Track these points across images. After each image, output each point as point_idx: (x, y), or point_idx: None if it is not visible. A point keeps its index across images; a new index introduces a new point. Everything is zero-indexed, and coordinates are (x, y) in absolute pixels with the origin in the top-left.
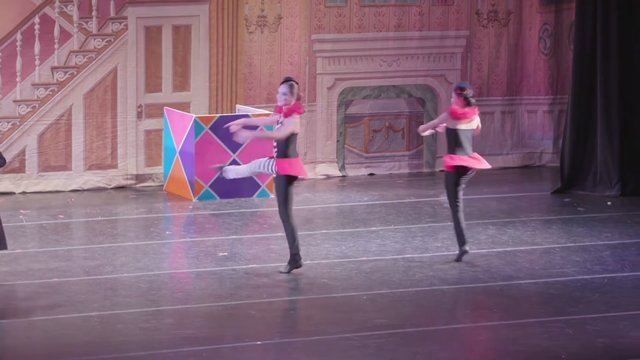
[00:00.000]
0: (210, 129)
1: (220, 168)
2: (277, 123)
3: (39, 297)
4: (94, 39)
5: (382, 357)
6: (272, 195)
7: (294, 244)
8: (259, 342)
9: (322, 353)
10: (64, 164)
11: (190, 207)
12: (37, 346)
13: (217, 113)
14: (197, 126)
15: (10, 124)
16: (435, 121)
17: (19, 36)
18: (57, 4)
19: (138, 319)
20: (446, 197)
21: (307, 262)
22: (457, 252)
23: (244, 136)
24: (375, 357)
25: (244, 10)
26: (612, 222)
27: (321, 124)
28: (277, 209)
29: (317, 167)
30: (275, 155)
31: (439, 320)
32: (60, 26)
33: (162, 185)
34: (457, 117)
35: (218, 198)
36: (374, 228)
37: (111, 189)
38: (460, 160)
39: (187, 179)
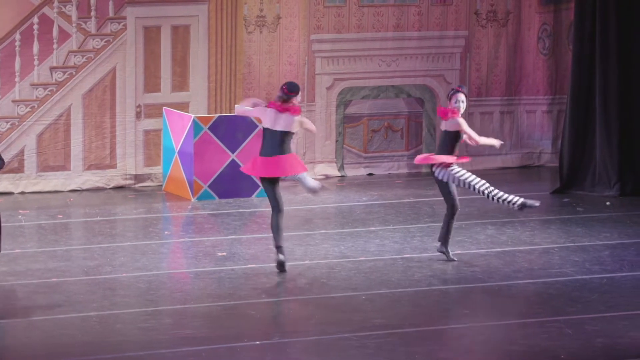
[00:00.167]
0: (209, 129)
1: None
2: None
3: (38, 297)
4: (93, 39)
5: (381, 357)
6: None
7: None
8: (257, 342)
9: (321, 353)
10: (62, 164)
11: (189, 207)
12: (36, 346)
13: (216, 113)
14: (196, 126)
15: (9, 124)
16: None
17: (17, 36)
18: (55, 4)
19: (137, 319)
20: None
21: (306, 262)
22: (446, 252)
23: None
24: (374, 357)
25: (243, 11)
26: (611, 222)
27: (320, 124)
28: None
29: (316, 167)
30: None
31: (437, 320)
32: (59, 26)
33: (161, 185)
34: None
35: (217, 198)
36: (373, 228)
37: (110, 189)
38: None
39: (186, 179)
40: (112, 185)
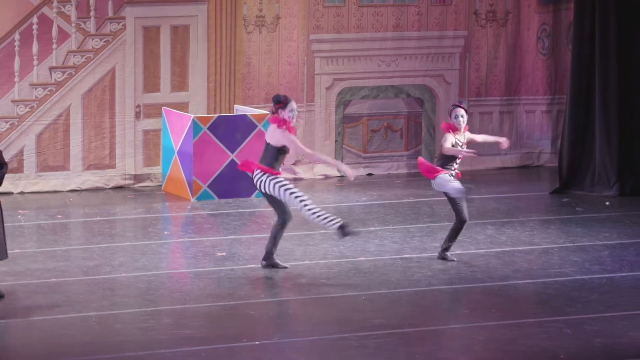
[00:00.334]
0: (208, 129)
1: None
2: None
3: (38, 297)
4: (92, 39)
5: (380, 357)
6: None
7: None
8: (257, 342)
9: (320, 353)
10: (62, 164)
11: (189, 207)
12: (35, 346)
13: (215, 113)
14: (195, 126)
15: (8, 124)
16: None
17: (17, 36)
18: (55, 4)
19: (136, 319)
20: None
21: (306, 262)
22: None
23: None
24: (374, 357)
25: (243, 11)
26: (611, 222)
27: (319, 124)
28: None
29: (315, 167)
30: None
31: (437, 320)
32: (58, 26)
33: (161, 185)
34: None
35: (216, 198)
36: (373, 228)
37: (109, 189)
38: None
39: (185, 179)
40: (111, 185)
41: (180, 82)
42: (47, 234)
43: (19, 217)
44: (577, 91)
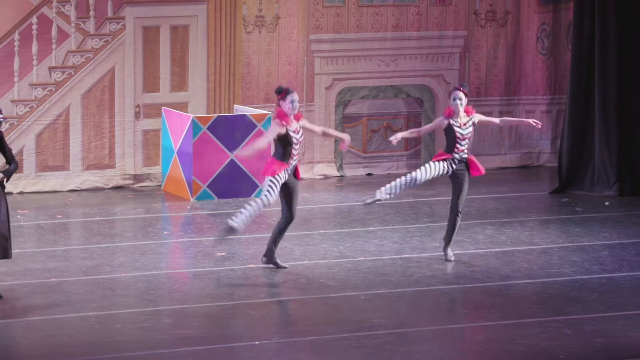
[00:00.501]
0: (208, 129)
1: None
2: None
3: (37, 297)
4: (92, 39)
5: (380, 357)
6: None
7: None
8: (257, 342)
9: (320, 353)
10: (61, 164)
11: (188, 207)
12: (35, 346)
13: (215, 113)
14: (195, 126)
15: (8, 124)
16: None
17: (16, 36)
18: (54, 4)
19: (136, 319)
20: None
21: (305, 262)
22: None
23: None
24: (374, 357)
25: (242, 11)
26: (610, 222)
27: (319, 124)
28: (275, 209)
29: (315, 167)
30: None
31: (437, 320)
32: (57, 26)
33: (160, 185)
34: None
35: (216, 198)
36: (372, 228)
37: (109, 189)
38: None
39: (185, 179)
40: (111, 185)
41: (179, 82)
42: (47, 234)
43: (19, 217)
44: (577, 91)
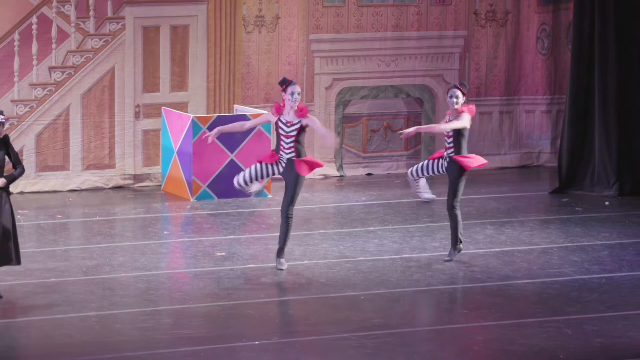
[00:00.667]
0: (208, 129)
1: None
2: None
3: (37, 297)
4: (92, 39)
5: (380, 357)
6: (270, 195)
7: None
8: (257, 342)
9: (320, 353)
10: (61, 164)
11: (188, 207)
12: (35, 346)
13: (214, 113)
14: (194, 126)
15: (8, 123)
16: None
17: (16, 36)
18: (54, 4)
19: (136, 319)
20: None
21: (305, 262)
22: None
23: None
24: (373, 357)
25: (242, 10)
26: (610, 222)
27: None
28: (275, 208)
29: None
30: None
31: (436, 320)
32: (57, 26)
33: (160, 185)
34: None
35: (216, 198)
36: (372, 228)
37: (109, 188)
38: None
39: (184, 179)
40: (111, 185)
41: (179, 82)
42: (47, 234)
43: (19, 217)
44: (577, 91)
